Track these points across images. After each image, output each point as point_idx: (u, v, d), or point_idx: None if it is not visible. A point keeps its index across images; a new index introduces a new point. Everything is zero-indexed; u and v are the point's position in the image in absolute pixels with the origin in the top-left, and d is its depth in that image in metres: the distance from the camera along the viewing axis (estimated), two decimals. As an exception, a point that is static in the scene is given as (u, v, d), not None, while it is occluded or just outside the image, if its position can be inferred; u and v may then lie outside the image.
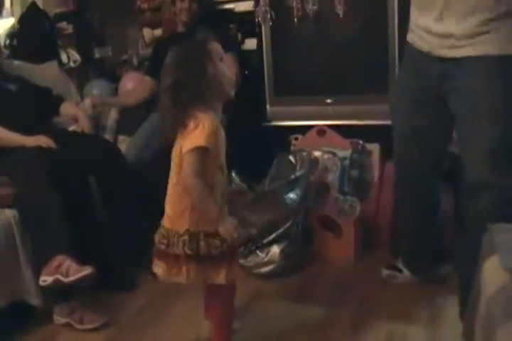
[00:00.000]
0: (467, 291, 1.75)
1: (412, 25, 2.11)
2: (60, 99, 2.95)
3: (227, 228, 1.72)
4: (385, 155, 2.98)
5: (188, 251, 1.70)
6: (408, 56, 2.20)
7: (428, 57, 2.02)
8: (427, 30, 2.00)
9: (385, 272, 2.48)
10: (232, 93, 1.84)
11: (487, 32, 1.85)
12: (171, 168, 1.76)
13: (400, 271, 2.45)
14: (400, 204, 2.43)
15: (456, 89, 1.96)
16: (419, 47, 2.06)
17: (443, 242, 2.43)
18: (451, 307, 2.11)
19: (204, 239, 1.71)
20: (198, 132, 1.64)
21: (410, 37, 2.14)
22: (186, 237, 1.71)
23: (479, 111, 1.90)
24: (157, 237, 1.80)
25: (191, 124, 1.66)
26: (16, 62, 3.31)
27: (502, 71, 1.88)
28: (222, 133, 1.74)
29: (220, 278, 1.75)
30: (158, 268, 1.80)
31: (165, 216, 1.80)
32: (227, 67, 1.81)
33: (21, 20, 3.68)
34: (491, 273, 1.48)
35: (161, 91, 1.74)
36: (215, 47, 1.76)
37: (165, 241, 1.75)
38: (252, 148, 3.27)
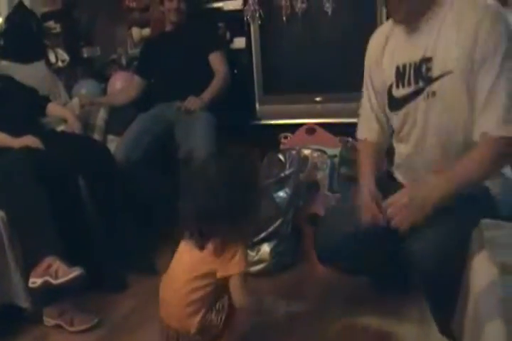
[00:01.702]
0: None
1: None
2: (46, 100, 2.95)
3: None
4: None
5: None
6: None
7: None
8: None
9: None
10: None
11: None
12: (179, 276, 1.81)
13: None
14: None
15: None
16: None
17: None
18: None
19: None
20: (240, 258, 1.73)
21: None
22: (199, 337, 1.77)
23: None
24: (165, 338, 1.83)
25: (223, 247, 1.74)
26: (4, 62, 3.29)
27: None
28: None
29: None
30: None
31: (168, 315, 1.83)
32: None
33: (8, 20, 3.66)
34: (480, 269, 1.48)
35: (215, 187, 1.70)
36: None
37: None
38: (242, 146, 3.27)
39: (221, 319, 1.76)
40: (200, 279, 1.75)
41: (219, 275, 1.74)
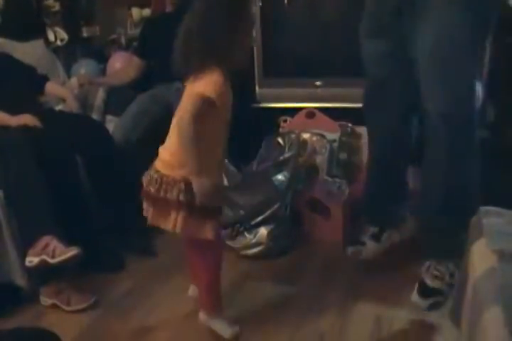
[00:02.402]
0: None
1: None
2: (44, 79, 2.92)
3: (202, 183, 1.69)
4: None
5: (182, 198, 1.68)
6: None
7: None
8: None
9: (350, 250, 2.43)
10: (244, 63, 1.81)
11: None
12: (175, 121, 1.74)
13: (363, 243, 2.42)
14: (370, 144, 2.48)
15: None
16: None
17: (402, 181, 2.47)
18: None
19: None
20: (207, 82, 1.63)
21: None
22: (182, 185, 1.68)
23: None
24: (146, 180, 1.77)
25: (205, 76, 1.64)
26: (1, 40, 3.25)
27: None
28: (230, 91, 1.72)
29: (208, 232, 1.74)
30: (147, 212, 1.79)
31: (159, 160, 1.77)
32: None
33: (7, -3, 3.62)
34: (479, 256, 1.48)
35: (192, 13, 1.69)
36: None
37: (156, 186, 1.72)
38: (241, 129, 3.26)
39: None
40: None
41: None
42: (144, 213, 1.81)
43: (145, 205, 1.80)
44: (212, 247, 1.82)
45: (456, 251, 1.95)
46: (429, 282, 2.03)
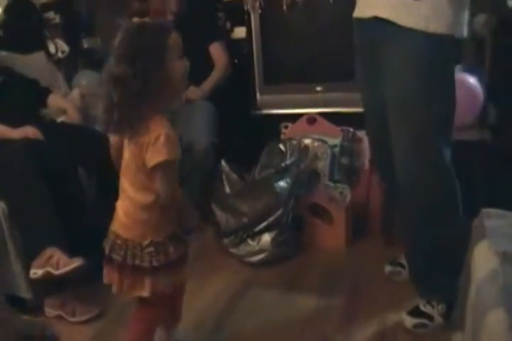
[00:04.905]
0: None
1: None
2: (47, 91, 2.93)
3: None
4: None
5: (155, 263, 1.57)
6: None
7: None
8: None
9: (388, 268, 2.42)
10: (184, 88, 1.71)
11: None
12: (124, 175, 1.62)
13: (403, 266, 2.38)
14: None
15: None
16: None
17: None
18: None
19: (172, 246, 1.61)
20: (162, 145, 1.47)
21: None
22: (152, 249, 1.58)
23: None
24: (109, 246, 1.64)
25: (149, 129, 1.49)
26: (3, 53, 3.27)
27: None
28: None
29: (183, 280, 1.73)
30: (113, 280, 1.64)
31: (118, 223, 1.65)
32: (186, 65, 1.61)
33: (8, 11, 3.63)
34: (481, 258, 1.47)
35: (106, 79, 1.50)
36: (176, 39, 1.55)
37: (122, 253, 1.59)
38: (242, 136, 3.27)
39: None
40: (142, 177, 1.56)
41: (149, 167, 1.51)
42: (107, 281, 1.67)
43: (109, 273, 1.66)
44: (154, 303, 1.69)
45: (445, 295, 1.96)
46: (422, 307, 2.02)
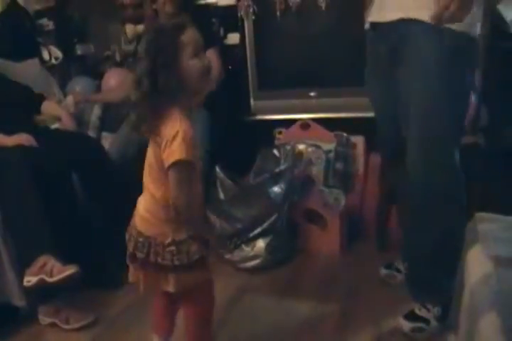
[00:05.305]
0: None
1: None
2: (41, 98, 2.92)
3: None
4: (370, 147, 2.99)
5: (177, 262, 1.56)
6: None
7: None
8: None
9: (384, 272, 2.42)
10: (209, 87, 1.68)
11: None
12: (147, 172, 1.61)
13: (398, 270, 2.39)
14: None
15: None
16: None
17: None
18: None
19: (191, 246, 1.58)
20: (178, 144, 1.45)
21: None
22: (173, 248, 1.57)
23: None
24: (133, 244, 1.63)
25: (167, 128, 1.49)
26: (-4, 60, 3.27)
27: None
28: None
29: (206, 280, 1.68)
30: (137, 277, 1.66)
31: (139, 219, 1.63)
32: (205, 62, 1.58)
33: (1, 18, 3.64)
34: (475, 262, 1.48)
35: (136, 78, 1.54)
36: (191, 35, 1.55)
37: (145, 250, 1.59)
38: (236, 142, 3.27)
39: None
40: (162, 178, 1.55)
41: (164, 165, 1.49)
42: (132, 279, 1.67)
43: (133, 271, 1.67)
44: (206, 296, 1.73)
45: (440, 298, 1.97)
46: (417, 311, 2.02)
